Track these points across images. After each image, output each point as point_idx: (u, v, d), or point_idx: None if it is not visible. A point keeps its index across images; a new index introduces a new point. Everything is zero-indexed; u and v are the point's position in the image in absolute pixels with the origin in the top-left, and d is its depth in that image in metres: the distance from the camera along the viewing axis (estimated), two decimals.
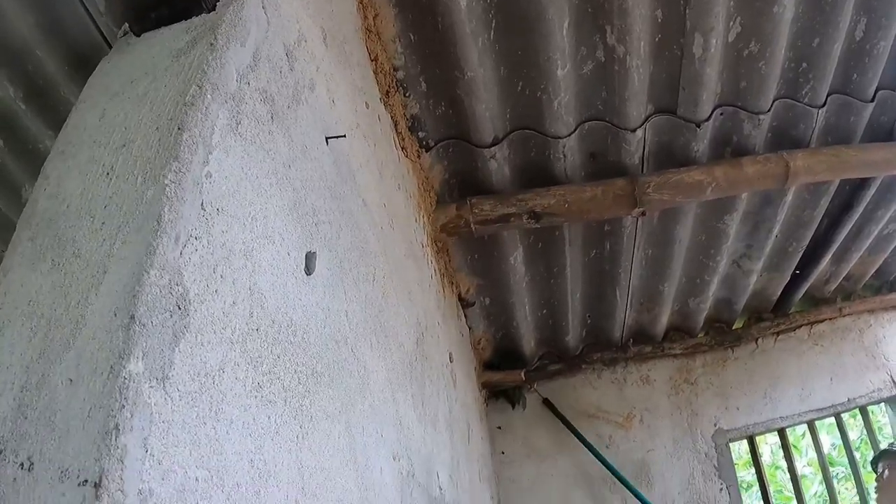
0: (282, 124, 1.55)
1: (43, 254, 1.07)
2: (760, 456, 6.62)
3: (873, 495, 4.43)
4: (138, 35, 1.44)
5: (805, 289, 6.02)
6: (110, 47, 1.46)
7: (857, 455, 7.23)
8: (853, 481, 6.50)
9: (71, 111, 1.30)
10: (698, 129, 3.83)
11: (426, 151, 3.59)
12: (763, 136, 4.08)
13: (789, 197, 4.56)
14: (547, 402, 4.89)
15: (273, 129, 1.49)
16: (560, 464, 5.97)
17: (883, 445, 5.07)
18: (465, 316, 4.95)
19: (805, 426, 6.68)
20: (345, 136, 1.96)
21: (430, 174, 3.70)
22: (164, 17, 1.42)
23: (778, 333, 6.44)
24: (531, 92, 3.41)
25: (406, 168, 3.27)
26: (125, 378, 0.88)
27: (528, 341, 5.68)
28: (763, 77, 3.66)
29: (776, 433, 6.48)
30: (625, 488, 5.71)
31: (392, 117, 3.08)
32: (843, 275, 6.14)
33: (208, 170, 1.17)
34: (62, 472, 0.82)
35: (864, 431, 6.80)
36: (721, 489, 5.95)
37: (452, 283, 4.42)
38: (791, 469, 6.45)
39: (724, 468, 6.05)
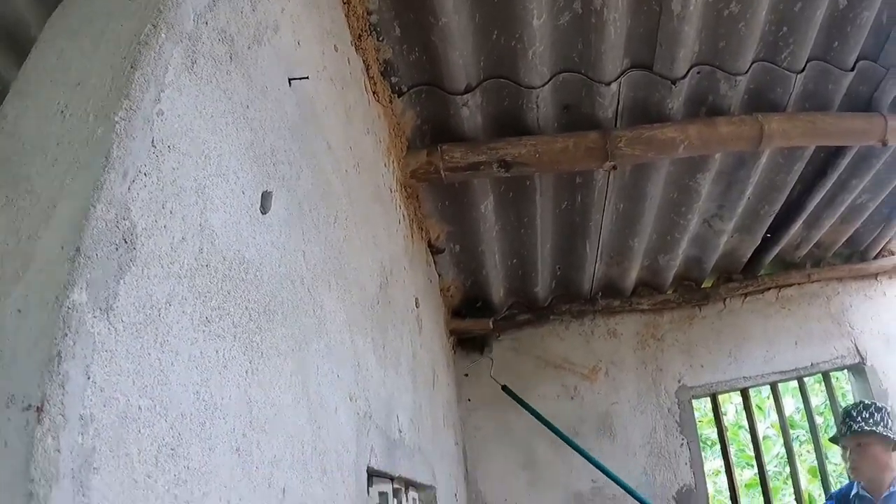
0: (241, 65, 1.56)
1: None
2: (724, 414, 6.73)
3: (849, 472, 4.48)
4: None
5: (775, 252, 6.10)
6: None
7: (818, 420, 7.36)
8: (813, 444, 6.64)
9: (31, 50, 1.30)
10: (674, 87, 3.82)
11: (398, 97, 3.57)
12: (739, 97, 4.09)
13: (763, 160, 4.60)
14: (506, 389, 4.95)
15: (231, 69, 1.49)
16: (524, 412, 6.06)
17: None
18: (435, 262, 4.99)
19: (768, 388, 6.79)
20: (308, 77, 1.97)
21: (402, 120, 3.69)
22: None
23: (746, 295, 6.54)
24: (506, 41, 3.39)
25: (377, 112, 3.27)
26: (69, 308, 0.90)
27: (498, 290, 5.73)
28: (742, 38, 3.65)
29: (739, 393, 6.59)
30: (592, 437, 5.87)
31: (364, 61, 3.07)
32: (814, 241, 6.21)
33: (160, 108, 1.18)
34: (9, 398, 0.85)
35: (827, 397, 6.91)
36: (682, 444, 6.07)
37: (422, 229, 4.44)
38: (752, 429, 6.57)
39: (686, 424, 6.17)
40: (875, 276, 6.74)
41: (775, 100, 4.16)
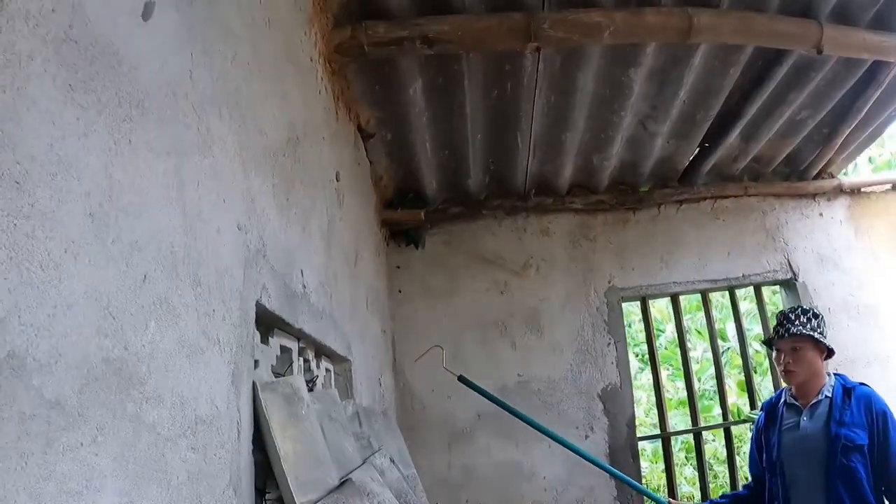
0: None
1: None
2: (663, 331, 6.88)
3: (782, 373, 4.54)
4: None
5: (712, 163, 6.22)
6: None
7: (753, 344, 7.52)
8: (741, 357, 6.82)
9: None
10: None
11: None
12: None
13: (697, 60, 4.64)
14: (462, 379, 5.01)
15: None
16: (454, 304, 6.20)
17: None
18: (366, 149, 5.02)
19: (699, 297, 6.94)
20: None
21: None
22: None
23: (681, 202, 6.66)
24: None
25: None
26: None
27: (430, 182, 5.79)
28: None
29: (669, 299, 6.72)
30: (519, 332, 6.02)
31: None
32: (752, 155, 6.32)
33: None
34: None
35: (758, 312, 7.08)
36: (609, 343, 6.23)
37: (350, 111, 4.45)
38: (680, 335, 6.73)
39: (614, 324, 6.32)
40: (813, 196, 6.90)
41: None
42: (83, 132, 1.31)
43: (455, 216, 6.29)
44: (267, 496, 2.10)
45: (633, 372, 7.57)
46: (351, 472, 2.64)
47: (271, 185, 2.54)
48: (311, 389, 2.91)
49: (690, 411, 6.61)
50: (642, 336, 12.01)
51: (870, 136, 6.26)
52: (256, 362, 2.26)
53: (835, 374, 4.37)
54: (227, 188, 2.05)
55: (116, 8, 1.48)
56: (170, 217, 1.65)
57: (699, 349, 13.25)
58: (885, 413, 4.06)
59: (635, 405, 6.53)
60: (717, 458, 11.48)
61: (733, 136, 5.72)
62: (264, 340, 2.48)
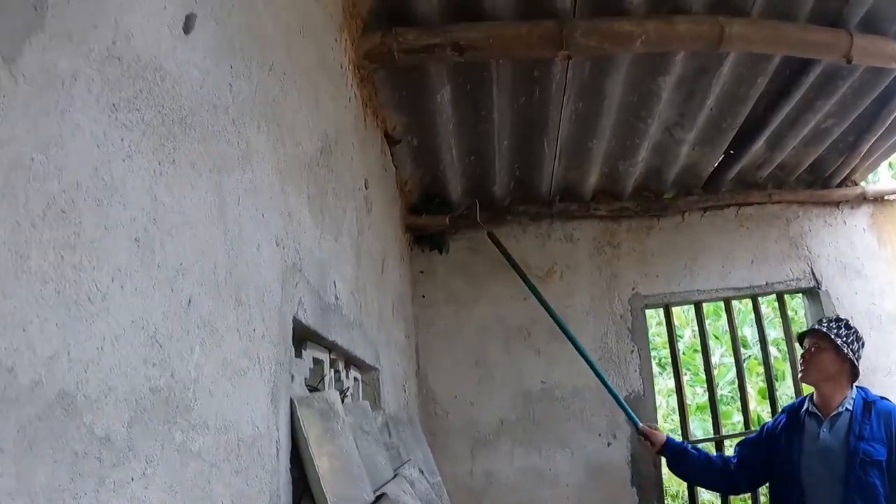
0: None
1: None
2: (681, 337, 6.85)
3: (799, 369, 4.60)
4: None
5: (737, 170, 6.16)
6: None
7: (773, 350, 7.47)
8: (763, 365, 6.76)
9: None
10: None
11: None
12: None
13: (726, 68, 4.60)
14: (491, 236, 4.99)
15: None
16: (477, 312, 6.16)
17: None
18: (392, 154, 4.99)
19: (724, 319, 6.89)
20: None
21: (358, 0, 3.69)
22: None
23: (705, 209, 6.60)
24: None
25: None
26: None
27: (456, 188, 5.76)
28: None
29: (692, 307, 6.68)
30: (543, 339, 5.96)
31: None
32: (777, 163, 6.24)
33: None
34: None
35: (781, 322, 7.02)
36: (632, 351, 6.19)
37: (378, 117, 4.42)
38: (703, 343, 6.67)
39: (638, 332, 6.27)
40: (837, 204, 6.82)
41: (739, 4, 4.12)
42: (128, 154, 1.28)
43: (480, 223, 6.23)
44: None
45: None
46: (384, 485, 2.63)
47: (306, 196, 2.52)
48: (342, 401, 2.88)
49: (712, 419, 6.56)
50: (659, 339, 12.00)
51: (894, 143, 6.18)
52: (292, 377, 2.23)
53: (857, 387, 4.37)
54: (266, 203, 2.03)
55: (158, 21, 1.46)
56: (212, 236, 1.62)
57: (716, 354, 13.20)
58: None
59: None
60: None
61: (759, 144, 5.67)
62: (298, 354, 2.45)
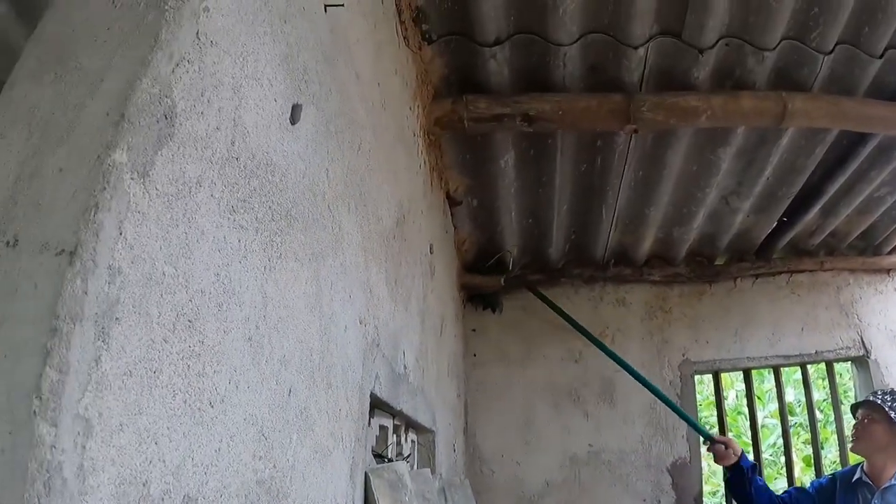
0: None
1: (47, 69, 1.14)
2: (725, 398, 6.79)
3: (849, 442, 4.57)
4: None
5: (790, 237, 6.12)
6: None
7: (817, 412, 7.39)
8: (810, 434, 6.68)
9: None
10: (701, 56, 3.83)
11: (428, 44, 3.61)
12: (766, 74, 4.08)
13: (785, 140, 4.61)
14: (531, 288, 4.98)
15: None
16: (528, 372, 6.16)
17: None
18: (452, 215, 5.05)
19: (768, 378, 6.82)
20: (343, 5, 2.01)
21: (430, 67, 3.74)
22: None
23: (757, 276, 6.56)
24: None
25: (406, 57, 3.32)
26: (109, 165, 0.95)
27: (512, 248, 5.77)
28: (773, 14, 3.64)
29: (743, 380, 6.62)
30: (592, 401, 5.95)
31: (397, 6, 3.12)
32: (830, 230, 6.20)
33: (206, 5, 1.23)
34: (43, 245, 0.90)
35: (829, 392, 6.95)
36: None
37: (442, 179, 4.49)
38: (752, 411, 6.62)
39: (687, 397, 6.23)
40: (887, 271, 6.76)
41: (801, 79, 4.14)
42: (243, 255, 1.33)
43: (533, 283, 6.24)
44: None
45: None
46: None
47: (384, 270, 2.57)
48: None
49: None
50: (699, 396, 11.88)
51: None
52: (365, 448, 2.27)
53: None
54: (353, 283, 2.08)
55: (269, 115, 1.51)
56: (310, 325, 1.67)
57: (759, 416, 13.04)
58: None
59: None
60: None
61: (813, 212, 5.65)
62: (367, 423, 2.50)
